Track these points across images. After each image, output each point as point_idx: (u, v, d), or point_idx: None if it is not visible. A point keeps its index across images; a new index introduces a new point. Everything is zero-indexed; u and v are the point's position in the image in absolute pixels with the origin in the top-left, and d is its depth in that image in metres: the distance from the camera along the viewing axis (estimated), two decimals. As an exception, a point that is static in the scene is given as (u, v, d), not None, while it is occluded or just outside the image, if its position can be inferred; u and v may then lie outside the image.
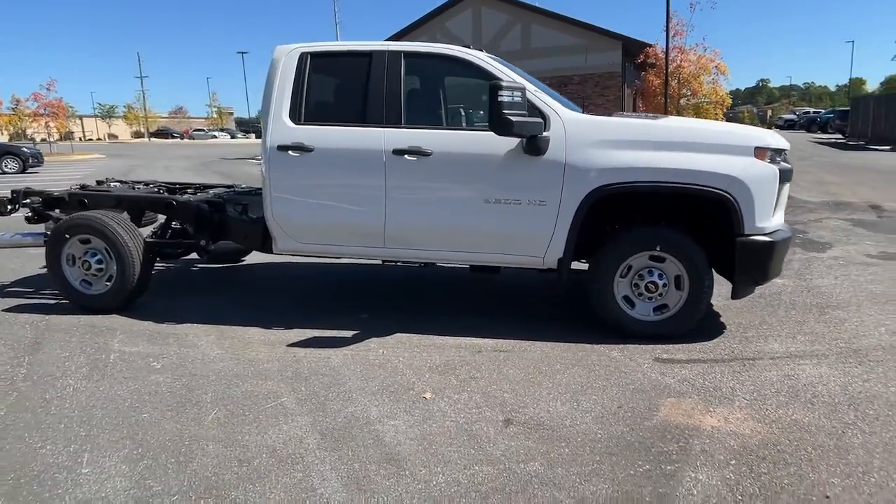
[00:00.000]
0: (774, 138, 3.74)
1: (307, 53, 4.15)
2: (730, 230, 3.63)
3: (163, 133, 67.25)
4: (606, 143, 3.68)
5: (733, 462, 2.47)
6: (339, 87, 4.31)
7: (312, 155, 4.02)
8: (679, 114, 19.37)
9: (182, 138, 64.46)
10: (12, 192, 5.18)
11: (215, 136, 60.89)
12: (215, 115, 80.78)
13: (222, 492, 2.32)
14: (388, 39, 35.03)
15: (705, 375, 3.32)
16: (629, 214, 3.91)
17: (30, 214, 5.07)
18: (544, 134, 3.69)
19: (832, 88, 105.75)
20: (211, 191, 5.46)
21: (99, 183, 5.79)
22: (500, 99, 3.46)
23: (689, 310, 3.79)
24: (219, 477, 2.42)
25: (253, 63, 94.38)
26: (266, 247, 4.58)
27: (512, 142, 3.75)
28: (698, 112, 19.46)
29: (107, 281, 4.56)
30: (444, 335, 4.00)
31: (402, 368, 3.48)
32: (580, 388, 3.18)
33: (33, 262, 6.05)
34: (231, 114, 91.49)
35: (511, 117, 3.46)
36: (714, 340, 3.83)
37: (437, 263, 4.47)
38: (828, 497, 2.22)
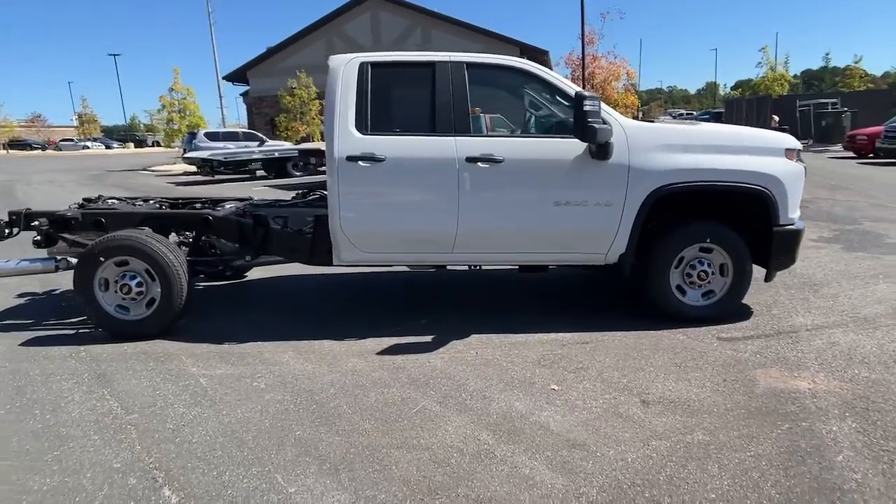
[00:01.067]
0: (795, 141, 4.36)
1: (367, 63, 4.20)
2: (767, 222, 4.18)
3: (19, 144, 60.14)
4: (663, 147, 4.10)
5: (848, 414, 2.95)
6: (402, 97, 4.39)
7: (384, 165, 4.08)
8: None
9: (44, 149, 58.12)
10: (11, 213, 4.69)
11: (87, 147, 55.56)
12: (79, 124, 73.50)
13: (447, 491, 2.42)
14: (282, 44, 34.07)
15: (768, 348, 3.83)
16: (678, 211, 4.34)
17: (38, 238, 4.62)
18: (611, 140, 4.04)
19: (692, 92, 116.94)
20: (226, 205, 5.25)
21: (90, 201, 5.37)
22: (584, 108, 3.77)
23: (733, 294, 4.31)
24: (431, 479, 2.51)
25: (126, 66, 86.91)
26: (315, 259, 4.56)
27: (579, 147, 4.06)
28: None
29: (146, 305, 4.29)
30: (516, 333, 4.22)
31: (506, 366, 3.68)
32: (678, 369, 3.56)
33: (4, 290, 5.48)
34: (96, 121, 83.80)
35: (594, 125, 3.78)
36: (752, 320, 4.38)
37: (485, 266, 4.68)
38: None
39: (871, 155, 17.95)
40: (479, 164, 4.09)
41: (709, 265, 4.29)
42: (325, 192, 5.31)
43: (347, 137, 4.11)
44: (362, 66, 4.19)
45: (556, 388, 3.35)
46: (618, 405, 3.12)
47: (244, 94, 42.00)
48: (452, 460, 2.64)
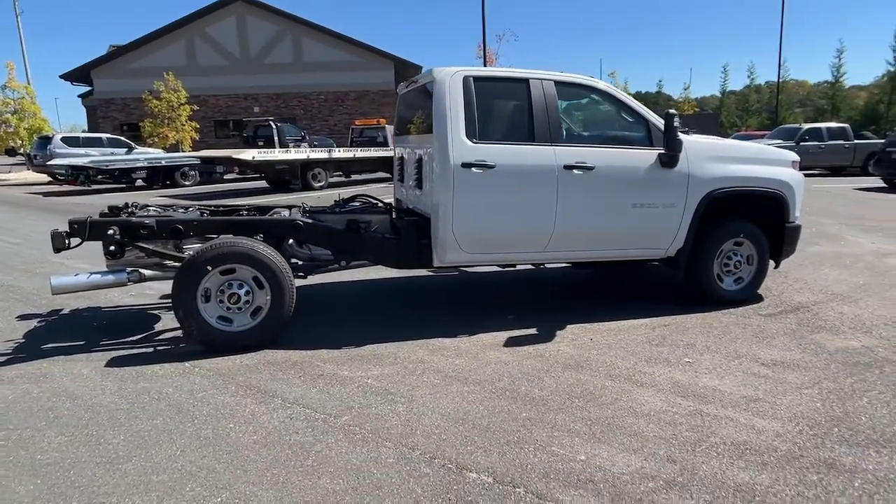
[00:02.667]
0: (796, 155, 5.45)
1: (470, 77, 4.49)
2: (781, 219, 5.19)
3: None
4: (712, 159, 4.92)
5: (904, 359, 3.92)
6: (502, 109, 4.70)
7: (495, 171, 4.41)
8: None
9: None
10: (72, 223, 4.21)
11: None
12: None
13: (705, 442, 2.89)
14: (134, 43, 31.26)
15: (802, 320, 4.79)
16: (720, 212, 5.18)
17: (112, 249, 4.20)
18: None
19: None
20: (283, 212, 5.15)
21: (121, 209, 4.95)
22: (675, 124, 4.46)
23: (756, 280, 5.27)
24: (682, 435, 2.96)
25: None
26: (404, 262, 4.74)
27: (652, 157, 4.74)
28: None
29: (251, 314, 4.15)
30: (601, 322, 4.76)
31: (632, 347, 4.20)
32: (758, 339, 4.35)
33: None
34: None
35: (680, 139, 4.49)
36: (768, 301, 5.36)
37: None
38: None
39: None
40: (574, 170, 4.58)
41: (740, 256, 5.20)
42: (371, 199, 5.46)
43: (461, 145, 4.37)
44: (466, 79, 4.48)
45: (690, 360, 3.95)
46: (748, 369, 3.79)
47: (84, 96, 37.66)
48: (681, 420, 3.11)
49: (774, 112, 28.46)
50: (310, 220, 4.61)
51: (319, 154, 16.60)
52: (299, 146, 19.71)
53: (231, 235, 4.37)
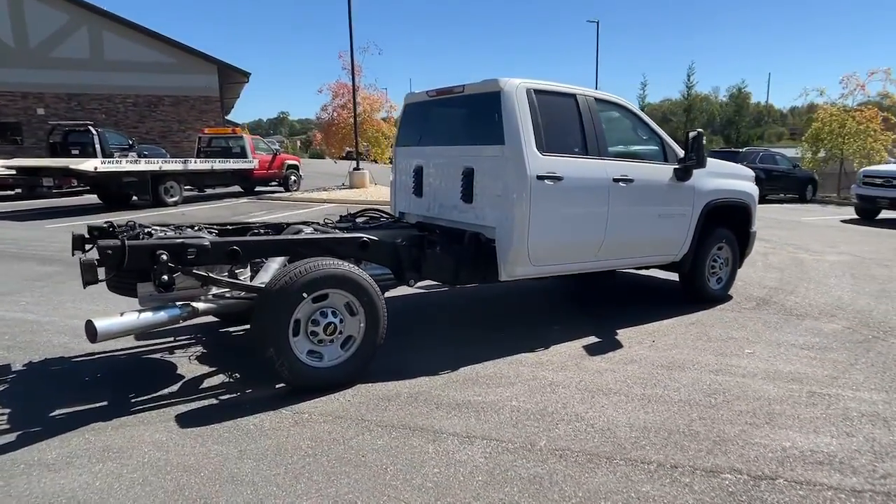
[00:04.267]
0: (752, 172, 6.38)
1: (532, 89, 4.51)
2: (746, 227, 6.05)
3: None
4: (709, 174, 5.56)
5: (885, 333, 4.87)
6: (559, 122, 4.69)
7: (563, 183, 4.48)
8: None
9: None
10: (107, 248, 3.28)
11: None
12: None
13: (824, 405, 3.31)
14: None
15: (780, 310, 5.64)
16: (710, 221, 5.81)
17: (165, 278, 3.33)
18: (693, 167, 5.31)
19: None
20: (305, 229, 4.62)
21: (103, 232, 4.05)
22: (702, 142, 4.97)
23: (731, 279, 6.06)
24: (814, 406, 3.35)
25: None
26: (463, 278, 4.58)
27: (670, 171, 5.22)
28: (378, 144, 21.89)
29: (341, 346, 3.67)
30: (639, 325, 5.08)
31: (692, 344, 4.58)
32: (770, 329, 5.03)
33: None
34: None
35: (705, 156, 5.03)
36: (737, 297, 6.18)
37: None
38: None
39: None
40: (620, 183, 4.85)
41: (722, 259, 5.94)
42: (381, 213, 5.19)
43: (534, 157, 4.36)
44: (529, 91, 4.48)
45: (750, 351, 4.43)
46: (798, 354, 4.38)
47: None
48: (810, 400, 3.50)
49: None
50: (375, 237, 4.19)
51: (174, 165, 14.71)
52: (126, 156, 17.22)
53: (282, 257, 3.83)
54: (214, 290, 3.77)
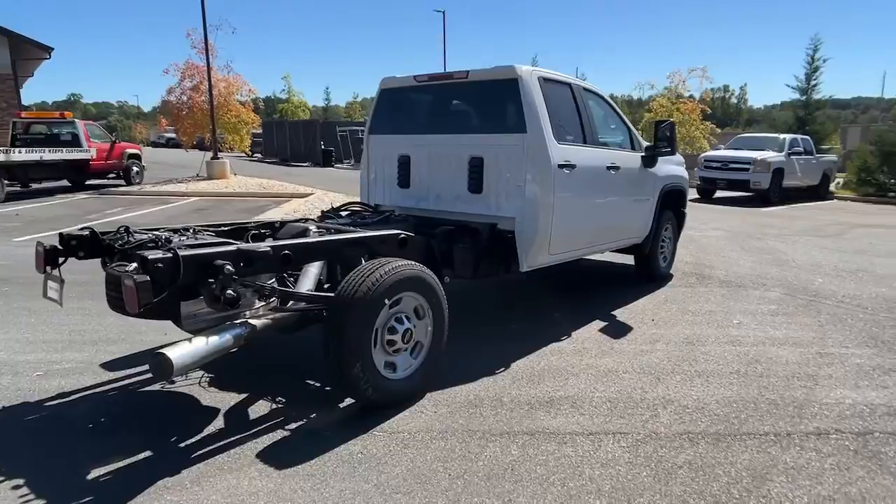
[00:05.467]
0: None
1: (541, 77, 4.48)
2: (682, 208, 6.66)
3: None
4: (662, 161, 6.02)
5: (835, 295, 5.71)
6: (562, 110, 4.66)
7: (576, 171, 4.54)
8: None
9: None
10: (157, 261, 2.63)
11: None
12: None
13: (825, 364, 3.84)
14: None
15: (721, 283, 6.32)
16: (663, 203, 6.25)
17: (231, 293, 2.73)
18: (656, 155, 5.69)
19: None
20: (311, 228, 4.17)
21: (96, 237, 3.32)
22: (676, 132, 5.35)
23: (673, 257, 6.64)
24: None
25: None
26: (482, 271, 4.47)
27: (638, 158, 5.54)
28: (237, 131, 19.66)
29: (411, 354, 3.37)
30: (625, 306, 5.37)
31: (685, 319, 4.93)
32: (738, 301, 5.62)
33: None
34: None
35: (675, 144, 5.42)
36: (680, 273, 6.79)
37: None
38: None
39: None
40: (611, 171, 5.04)
41: (668, 239, 6.47)
42: (366, 206, 4.90)
43: (553, 145, 4.34)
44: (540, 78, 4.44)
45: (737, 321, 4.90)
46: (774, 321, 4.95)
47: None
48: (820, 360, 3.98)
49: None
50: (412, 234, 3.88)
51: (-5, 155, 12.11)
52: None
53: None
54: (257, 304, 3.19)
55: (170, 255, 2.68)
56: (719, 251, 8.00)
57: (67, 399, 3.31)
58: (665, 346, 4.25)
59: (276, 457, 2.70)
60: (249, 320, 2.95)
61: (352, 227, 4.08)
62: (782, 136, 15.41)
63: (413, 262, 3.27)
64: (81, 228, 3.37)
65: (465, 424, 3.05)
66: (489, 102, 4.57)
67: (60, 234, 3.28)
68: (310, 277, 3.39)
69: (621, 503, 2.39)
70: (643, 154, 5.55)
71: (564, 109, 4.74)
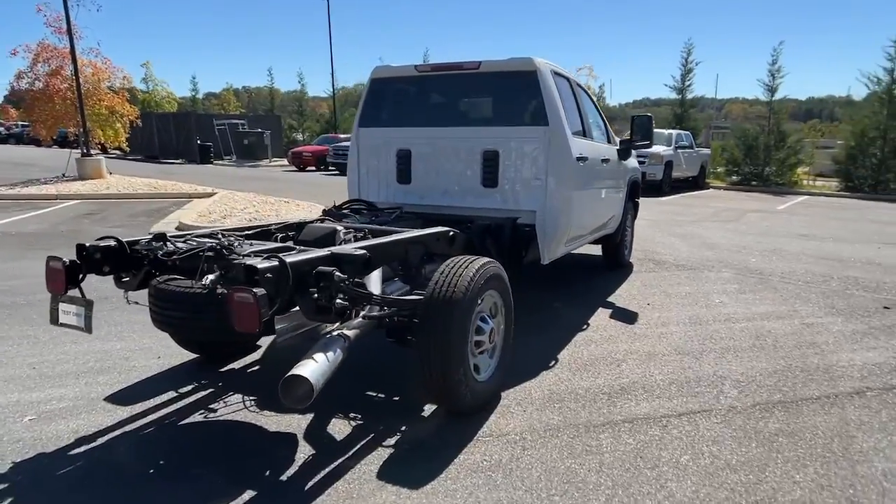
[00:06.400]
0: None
1: (553, 70, 4.54)
2: (636, 194, 7.09)
3: None
4: (630, 154, 6.36)
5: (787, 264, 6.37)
6: (568, 103, 4.71)
7: (587, 164, 4.67)
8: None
9: None
10: (268, 270, 2.30)
11: None
12: None
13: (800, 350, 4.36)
14: None
15: (678, 267, 6.83)
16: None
17: (341, 302, 2.45)
18: (629, 148, 6.00)
19: None
20: (340, 232, 3.93)
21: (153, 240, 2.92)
22: (653, 125, 5.68)
23: (632, 245, 7.05)
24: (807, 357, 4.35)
25: None
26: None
27: (614, 151, 5.83)
28: (110, 125, 17.20)
29: (489, 356, 3.28)
30: (613, 293, 5.64)
31: (672, 302, 5.27)
32: (704, 282, 6.10)
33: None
34: None
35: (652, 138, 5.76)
36: (639, 259, 7.22)
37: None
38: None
39: (314, 168, 22.77)
40: (604, 163, 5.24)
41: (630, 228, 6.85)
42: (365, 202, 4.76)
43: (572, 139, 4.43)
44: (552, 71, 4.49)
45: (719, 301, 5.32)
46: (745, 297, 5.45)
47: None
48: (800, 330, 4.46)
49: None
50: (460, 232, 3.76)
51: None
52: None
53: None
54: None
55: (275, 262, 2.35)
56: (653, 238, 8.60)
57: (95, 443, 2.79)
58: (678, 328, 4.50)
59: (401, 476, 2.49)
60: (344, 331, 2.68)
61: (384, 227, 3.85)
62: (668, 131, 16.89)
63: (492, 260, 3.16)
64: (101, 238, 2.85)
65: (562, 420, 3.01)
66: (505, 95, 4.53)
67: (81, 247, 2.75)
68: (376, 281, 3.15)
69: (758, 474, 2.51)
70: (618, 147, 5.81)
71: (568, 102, 4.82)
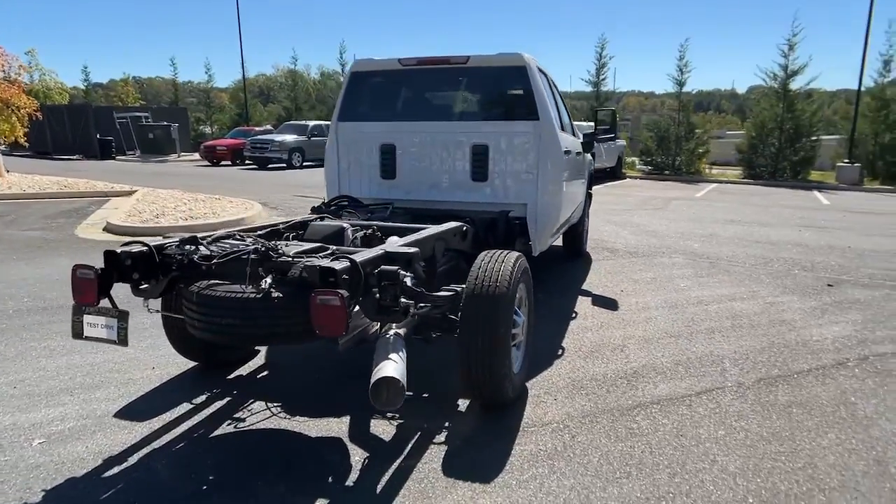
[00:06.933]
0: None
1: (537, 66, 4.65)
2: (590, 186, 7.38)
3: None
4: (592, 147, 6.61)
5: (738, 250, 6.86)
6: (549, 98, 4.83)
7: (569, 157, 4.83)
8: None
9: None
10: (347, 272, 2.22)
11: None
12: None
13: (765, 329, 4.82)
14: None
15: (631, 254, 7.20)
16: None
17: (405, 301, 2.40)
18: (591, 141, 6.24)
19: None
20: (345, 223, 3.86)
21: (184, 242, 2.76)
22: (617, 119, 5.93)
23: (587, 235, 7.34)
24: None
25: None
26: None
27: (579, 144, 6.05)
28: (6, 119, 15.31)
29: (517, 349, 3.34)
30: (585, 281, 5.87)
31: (641, 286, 5.57)
32: (663, 267, 6.47)
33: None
34: None
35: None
36: (593, 248, 7.52)
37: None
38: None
39: (229, 163, 21.72)
40: (578, 156, 5.44)
41: (587, 219, 7.13)
42: (353, 199, 4.74)
43: (560, 133, 4.56)
44: (537, 66, 4.60)
45: (683, 285, 5.68)
46: (703, 281, 5.84)
47: None
48: (760, 310, 4.88)
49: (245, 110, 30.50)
50: (469, 226, 3.78)
51: None
52: None
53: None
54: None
55: (347, 263, 2.27)
56: (598, 227, 8.96)
57: (126, 463, 2.57)
58: (659, 313, 4.76)
59: (466, 471, 2.49)
60: (399, 330, 2.63)
61: (392, 224, 3.79)
62: (587, 123, 17.61)
63: (521, 253, 3.21)
64: (128, 243, 2.62)
65: (594, 406, 3.12)
66: (494, 89, 4.58)
67: (110, 253, 2.52)
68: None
69: (790, 443, 2.73)
70: (582, 140, 6.03)
71: (549, 97, 4.94)
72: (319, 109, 31.07)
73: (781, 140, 18.03)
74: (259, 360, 3.75)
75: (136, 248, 2.58)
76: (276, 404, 3.12)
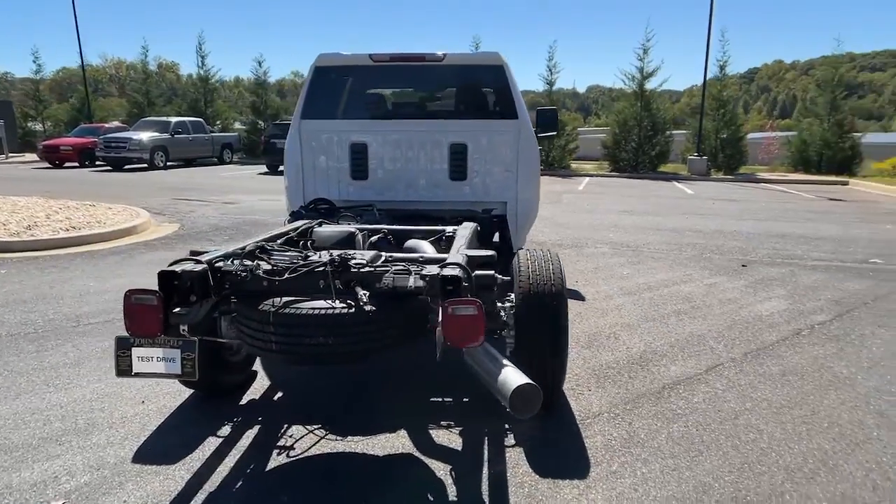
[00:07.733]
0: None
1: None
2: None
3: None
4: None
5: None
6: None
7: (539, 154, 4.97)
8: None
9: None
10: (465, 281, 2.11)
11: None
12: None
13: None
14: None
15: (594, 245, 7.59)
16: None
17: (503, 304, 2.32)
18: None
19: None
20: (351, 227, 3.71)
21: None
22: (557, 116, 6.20)
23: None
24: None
25: None
26: None
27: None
28: None
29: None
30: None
31: (600, 274, 5.91)
32: (597, 256, 6.90)
33: None
34: None
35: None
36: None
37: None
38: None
39: (76, 164, 19.25)
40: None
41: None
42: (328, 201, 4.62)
43: (533, 131, 4.68)
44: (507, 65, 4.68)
45: (627, 272, 6.11)
46: (644, 268, 6.34)
47: None
48: (710, 290, 5.45)
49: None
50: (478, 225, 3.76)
51: None
52: None
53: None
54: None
55: (458, 271, 2.16)
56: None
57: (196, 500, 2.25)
58: (623, 300, 5.08)
59: (559, 470, 2.50)
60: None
61: (401, 227, 3.66)
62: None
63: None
64: (177, 262, 2.26)
65: (627, 393, 3.27)
66: (471, 88, 4.56)
67: (169, 273, 2.15)
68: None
69: (807, 407, 3.08)
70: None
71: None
72: (177, 104, 28.54)
73: (641, 136, 19.91)
74: (262, 380, 3.43)
75: (199, 268, 2.23)
76: (314, 426, 2.88)
